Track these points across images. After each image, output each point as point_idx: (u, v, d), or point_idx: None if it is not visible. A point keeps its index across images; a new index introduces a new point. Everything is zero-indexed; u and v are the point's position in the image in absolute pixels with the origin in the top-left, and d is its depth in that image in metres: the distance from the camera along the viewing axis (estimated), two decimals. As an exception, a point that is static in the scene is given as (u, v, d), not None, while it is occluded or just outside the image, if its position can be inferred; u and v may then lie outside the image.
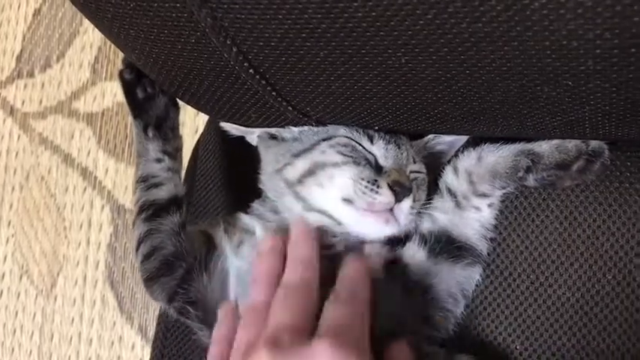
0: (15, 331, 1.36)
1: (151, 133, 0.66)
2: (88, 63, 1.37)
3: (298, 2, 0.40)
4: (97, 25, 0.55)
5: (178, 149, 0.69)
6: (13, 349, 1.36)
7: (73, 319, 1.32)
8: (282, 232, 0.62)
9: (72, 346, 1.31)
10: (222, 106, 0.60)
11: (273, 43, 0.45)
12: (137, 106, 0.67)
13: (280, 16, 0.42)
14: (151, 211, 0.63)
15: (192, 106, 0.65)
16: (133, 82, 0.66)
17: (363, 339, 0.52)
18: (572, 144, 0.57)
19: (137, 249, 0.62)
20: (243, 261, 0.62)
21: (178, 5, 0.44)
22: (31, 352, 1.34)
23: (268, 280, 0.57)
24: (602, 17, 0.35)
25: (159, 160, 0.66)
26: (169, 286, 0.61)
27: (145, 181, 0.65)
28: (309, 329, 0.51)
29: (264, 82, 0.52)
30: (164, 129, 0.67)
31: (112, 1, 0.47)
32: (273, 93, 0.53)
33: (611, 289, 0.59)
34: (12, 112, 1.42)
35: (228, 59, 0.49)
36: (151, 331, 1.24)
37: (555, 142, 0.57)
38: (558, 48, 0.38)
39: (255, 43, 0.46)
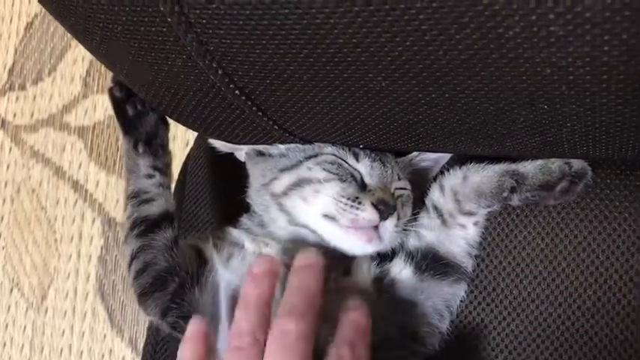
0: (5, 344, 1.36)
1: (141, 149, 0.66)
2: (80, 76, 1.37)
3: (281, 29, 0.41)
4: (86, 47, 0.56)
5: (168, 165, 0.69)
6: (3, 362, 1.36)
7: (63, 332, 1.32)
8: (269, 244, 0.63)
9: (62, 358, 1.31)
10: (209, 124, 0.61)
11: (257, 67, 0.46)
12: (127, 122, 0.67)
13: (264, 41, 0.43)
14: (143, 227, 0.63)
15: (180, 123, 0.66)
16: (122, 99, 0.67)
17: None
18: (555, 165, 0.58)
19: (130, 265, 0.63)
20: (233, 274, 0.62)
21: (165, 30, 0.45)
22: (21, 364, 1.35)
23: (258, 308, 0.54)
24: (573, 46, 0.36)
25: (150, 176, 0.66)
26: (162, 301, 0.61)
27: (137, 197, 0.65)
28: None
29: (249, 102, 0.53)
30: (154, 145, 0.67)
31: (99, 24, 0.48)
32: (259, 113, 0.54)
33: (592, 305, 0.60)
34: (3, 124, 1.43)
35: (214, 81, 0.50)
36: (141, 344, 1.24)
37: (539, 162, 0.58)
38: (533, 74, 0.39)
39: (240, 66, 0.47)
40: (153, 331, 0.79)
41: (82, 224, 1.33)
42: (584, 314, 0.60)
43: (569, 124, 0.46)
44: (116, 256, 1.30)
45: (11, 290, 1.37)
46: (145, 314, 0.64)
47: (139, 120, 0.67)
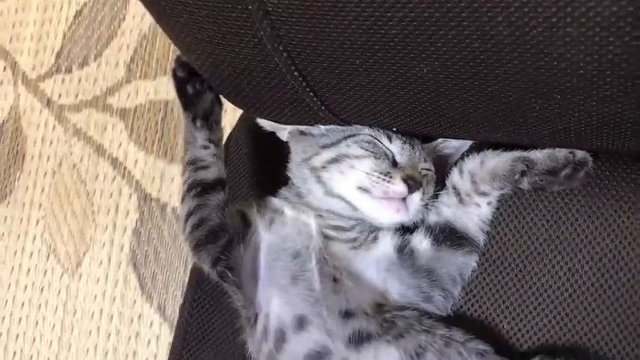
0: (40, 306, 1.45)
1: (198, 124, 0.75)
2: (124, 62, 1.47)
3: (345, 19, 0.50)
4: (166, 29, 0.65)
5: (221, 139, 0.78)
6: (37, 322, 1.45)
7: (95, 297, 1.41)
8: (305, 213, 0.72)
9: (93, 321, 1.40)
10: (263, 103, 0.70)
11: (318, 51, 0.55)
12: (187, 100, 0.76)
13: (328, 29, 0.52)
14: (200, 189, 0.72)
15: (235, 103, 0.75)
16: (184, 79, 0.75)
17: None
18: (561, 154, 0.67)
19: (186, 220, 0.71)
20: (274, 236, 0.71)
21: (244, 16, 0.54)
22: (54, 325, 1.43)
23: None
24: (585, 45, 0.45)
25: (205, 147, 0.75)
26: (214, 252, 0.70)
27: (194, 164, 0.74)
28: None
29: (304, 83, 0.61)
30: (210, 121, 0.76)
31: (186, 8, 0.57)
32: (311, 93, 0.63)
33: (587, 280, 0.69)
34: (49, 104, 1.52)
35: (278, 62, 0.59)
36: (169, 310, 1.34)
37: (547, 151, 0.67)
38: (550, 67, 0.48)
39: (304, 50, 0.56)
40: (191, 291, 0.87)
41: (118, 198, 1.42)
42: (580, 287, 0.69)
43: (576, 114, 0.54)
44: (150, 229, 1.39)
45: (48, 256, 1.46)
46: (198, 263, 0.73)
47: (197, 98, 0.76)
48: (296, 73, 0.60)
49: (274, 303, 0.69)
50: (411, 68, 0.54)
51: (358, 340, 0.65)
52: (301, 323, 0.66)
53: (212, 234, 0.70)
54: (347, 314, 0.67)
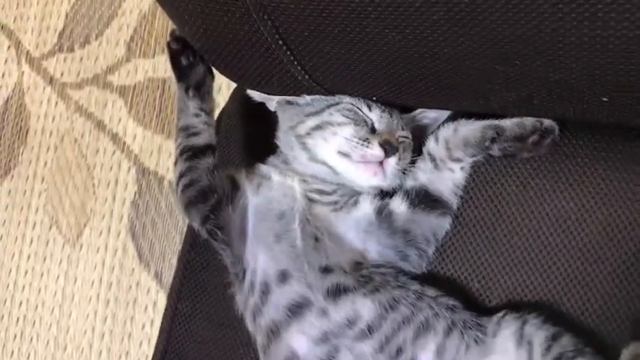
0: (42, 275, 1.51)
1: (191, 94, 0.80)
2: (124, 41, 1.52)
3: (322, -11, 0.55)
4: (162, 2, 0.70)
5: (212, 109, 0.82)
6: (39, 290, 1.51)
7: (95, 266, 1.46)
8: (291, 178, 0.77)
9: (93, 288, 1.46)
10: (251, 74, 0.75)
11: (299, 20, 0.60)
12: (181, 71, 0.81)
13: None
14: (191, 153, 0.77)
15: (226, 74, 0.80)
16: (178, 51, 0.80)
17: None
18: (529, 121, 0.72)
19: (178, 181, 0.76)
20: (261, 199, 0.76)
21: (231, -14, 0.59)
22: (55, 293, 1.49)
23: None
24: (535, 14, 0.49)
25: (197, 115, 0.80)
26: (203, 211, 0.75)
27: (186, 130, 0.79)
28: None
29: (288, 52, 0.66)
30: (202, 91, 0.81)
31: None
32: (295, 63, 0.68)
33: (552, 240, 0.73)
34: (51, 81, 1.57)
35: (263, 32, 0.64)
36: (165, 278, 1.40)
37: (516, 119, 0.72)
38: (508, 34, 0.53)
39: (287, 19, 0.60)
40: (185, 253, 0.93)
41: (118, 172, 1.48)
42: (546, 248, 0.74)
43: (536, 79, 0.59)
44: (147, 201, 1.44)
45: (50, 227, 1.51)
46: (189, 221, 0.78)
47: (190, 69, 0.81)
48: (280, 42, 0.65)
49: (260, 259, 0.74)
50: (385, 36, 0.58)
51: (336, 292, 0.70)
52: (284, 277, 0.71)
53: (202, 194, 0.75)
54: (326, 269, 0.72)
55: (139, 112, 1.47)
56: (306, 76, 0.71)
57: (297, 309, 0.70)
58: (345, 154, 0.74)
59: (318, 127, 0.76)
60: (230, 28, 0.66)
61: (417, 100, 0.73)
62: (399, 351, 0.69)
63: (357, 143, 0.73)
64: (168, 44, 0.81)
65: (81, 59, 1.55)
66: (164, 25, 1.48)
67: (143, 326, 1.42)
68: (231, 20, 0.64)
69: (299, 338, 0.69)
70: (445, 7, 0.52)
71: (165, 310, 0.92)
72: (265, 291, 0.72)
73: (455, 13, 0.52)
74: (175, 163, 0.78)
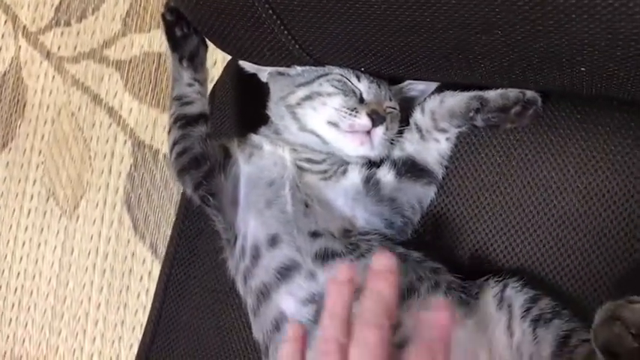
0: (40, 245, 1.53)
1: (185, 64, 0.82)
2: (120, 16, 1.53)
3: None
4: None
5: (205, 80, 0.84)
6: (37, 260, 1.54)
7: (92, 237, 1.49)
8: (282, 147, 0.79)
9: (89, 259, 1.49)
10: (242, 44, 0.77)
11: (289, -11, 0.62)
12: (175, 42, 0.82)
13: (296, -32, 0.58)
14: (184, 121, 0.79)
15: (218, 45, 0.82)
16: (172, 22, 0.82)
17: None
18: (512, 93, 0.74)
19: (172, 148, 0.79)
20: (252, 167, 0.78)
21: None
22: (52, 263, 1.52)
23: (344, 316, 0.54)
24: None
25: (190, 85, 0.82)
26: (196, 177, 0.77)
27: (180, 100, 0.81)
28: None
29: (279, 21, 0.68)
30: (195, 62, 0.83)
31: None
32: (285, 31, 0.70)
33: (534, 208, 0.76)
34: (48, 55, 1.59)
35: (254, 1, 0.65)
36: (160, 248, 1.43)
37: (500, 91, 0.74)
38: (490, 3, 0.55)
39: (276, -12, 0.62)
40: (179, 222, 0.95)
41: (114, 145, 1.50)
42: (527, 216, 0.76)
43: (516, 49, 0.61)
44: (143, 173, 1.47)
45: (47, 199, 1.54)
46: (182, 186, 0.80)
47: (184, 40, 0.83)
48: (270, 11, 0.67)
49: (251, 225, 0.76)
50: (370, 6, 0.60)
51: (324, 256, 0.72)
52: (274, 241, 0.74)
53: (194, 161, 0.77)
54: (315, 234, 0.74)
55: (135, 85, 1.49)
56: (297, 46, 0.73)
57: (286, 271, 0.72)
58: (333, 124, 0.77)
59: (308, 98, 0.79)
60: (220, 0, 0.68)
61: (403, 71, 0.75)
62: (384, 313, 0.71)
63: (346, 113, 0.75)
64: (163, 15, 0.83)
65: (77, 33, 1.56)
66: (159, 0, 1.50)
67: (138, 295, 1.46)
68: (222, -10, 0.66)
69: (287, 299, 0.72)
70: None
71: (160, 275, 0.94)
72: (256, 255, 0.75)
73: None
74: (169, 132, 0.80)
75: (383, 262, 0.54)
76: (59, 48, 1.57)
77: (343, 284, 0.56)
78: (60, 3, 1.58)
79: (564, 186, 0.75)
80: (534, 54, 0.61)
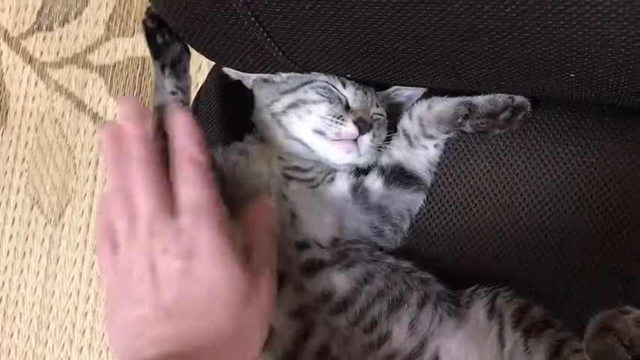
0: (25, 254, 1.51)
1: (167, 72, 0.79)
2: (103, 20, 1.51)
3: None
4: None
5: (188, 87, 0.82)
6: (22, 270, 1.51)
7: (77, 245, 1.47)
8: (266, 155, 0.78)
9: (75, 268, 1.47)
10: (226, 50, 0.75)
11: (271, -3, 0.60)
12: (156, 49, 0.80)
13: (277, -25, 0.57)
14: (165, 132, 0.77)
15: (201, 52, 0.80)
16: (154, 29, 0.80)
17: (217, 201, 0.59)
18: (501, 98, 0.73)
19: None
20: (238, 177, 0.77)
21: (202, -38, 0.59)
22: (38, 272, 1.50)
23: (119, 163, 0.61)
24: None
25: (173, 93, 0.80)
26: None
27: (162, 109, 0.79)
28: (171, 201, 0.58)
29: (261, 29, 0.66)
30: (178, 69, 0.80)
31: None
32: (268, 39, 0.68)
33: (525, 215, 0.75)
34: (31, 61, 1.56)
35: (236, 8, 0.64)
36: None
37: (488, 96, 0.73)
38: (476, 10, 0.53)
39: (258, -4, 0.61)
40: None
41: (98, 152, 1.48)
42: (517, 223, 0.75)
43: (504, 56, 0.60)
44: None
45: (32, 207, 1.52)
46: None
47: (166, 47, 0.80)
48: (252, 19, 0.65)
49: (237, 236, 0.74)
50: (354, 13, 0.59)
51: (312, 267, 0.71)
52: (260, 253, 0.72)
53: None
54: (303, 245, 0.73)
55: (119, 91, 1.48)
56: (280, 53, 0.72)
57: (273, 284, 0.71)
58: (320, 132, 0.75)
59: (293, 105, 0.77)
60: (203, 6, 0.66)
61: (390, 78, 0.74)
62: (374, 324, 0.70)
63: (332, 121, 0.74)
64: (144, 22, 0.81)
65: (60, 38, 1.54)
66: (143, 3, 1.48)
67: (126, 304, 1.43)
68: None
69: (276, 313, 0.71)
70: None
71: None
72: (242, 269, 0.73)
73: (422, -10, 0.53)
74: (151, 140, 0.78)
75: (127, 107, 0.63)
76: (42, 53, 1.55)
77: (109, 139, 0.61)
78: (42, 7, 1.55)
79: (555, 192, 0.74)
80: (522, 60, 0.60)
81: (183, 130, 0.61)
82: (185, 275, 0.56)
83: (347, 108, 0.76)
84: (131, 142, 0.60)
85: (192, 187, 0.59)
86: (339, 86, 0.77)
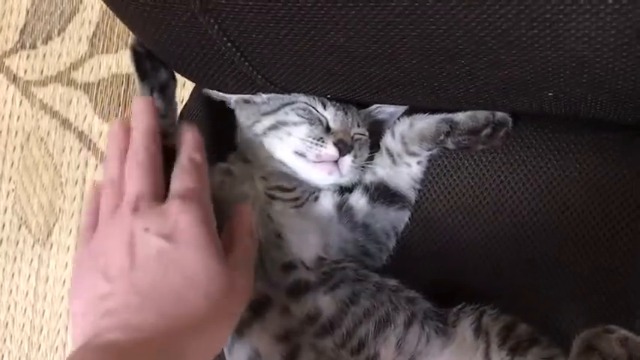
0: (13, 275, 1.50)
1: (155, 95, 0.79)
2: (87, 37, 1.50)
3: (264, -6, 0.55)
4: (117, 14, 0.69)
5: (175, 110, 0.82)
6: (11, 291, 1.50)
7: (66, 264, 1.47)
8: (249, 176, 0.77)
9: (65, 287, 1.46)
10: (205, 73, 0.75)
11: (245, 22, 0.60)
12: (144, 74, 0.80)
13: (251, 3, 0.56)
14: None
15: (182, 74, 0.79)
16: (142, 54, 0.80)
17: (207, 197, 0.62)
18: (482, 114, 0.72)
19: None
20: (222, 197, 0.76)
21: (175, -8, 0.58)
22: (27, 293, 1.49)
23: (119, 157, 0.63)
24: (475, 13, 0.50)
25: (162, 117, 0.79)
26: None
27: None
28: (161, 194, 0.60)
29: (239, 54, 0.66)
30: (166, 93, 0.80)
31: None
32: (246, 63, 0.68)
33: (509, 230, 0.75)
34: (15, 79, 1.55)
35: (211, 34, 0.63)
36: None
37: (470, 112, 0.73)
38: (450, 34, 0.53)
39: (232, 22, 0.60)
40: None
41: (85, 170, 1.47)
42: (502, 237, 0.75)
43: (482, 77, 0.60)
44: (115, 198, 1.44)
45: (19, 227, 1.51)
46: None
47: (153, 72, 0.80)
48: (229, 44, 0.65)
49: (221, 260, 0.74)
50: (329, 39, 0.58)
51: (297, 289, 0.70)
52: (246, 277, 0.72)
53: None
54: (288, 267, 0.72)
55: (104, 108, 1.47)
56: (259, 76, 0.71)
57: (258, 307, 0.71)
58: (300, 154, 0.75)
59: (274, 127, 0.77)
60: (179, 32, 0.66)
61: (370, 98, 0.74)
62: (361, 346, 0.70)
63: (312, 143, 0.74)
64: (133, 47, 0.80)
65: (44, 56, 1.53)
66: (126, 20, 1.47)
67: (116, 323, 1.42)
68: (178, 24, 0.64)
69: (261, 336, 0.70)
70: (385, 10, 0.52)
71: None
72: (227, 292, 0.73)
73: (395, 15, 0.52)
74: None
75: (139, 102, 0.67)
76: (25, 71, 1.54)
77: (116, 133, 0.65)
78: (25, 25, 1.54)
79: (539, 206, 0.74)
80: (500, 81, 0.60)
81: (188, 139, 0.65)
82: (164, 257, 0.55)
83: (327, 129, 0.76)
84: (136, 134, 0.63)
85: (186, 176, 0.61)
86: (320, 107, 0.77)
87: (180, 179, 0.61)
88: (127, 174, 0.61)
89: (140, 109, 0.66)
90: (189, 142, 0.65)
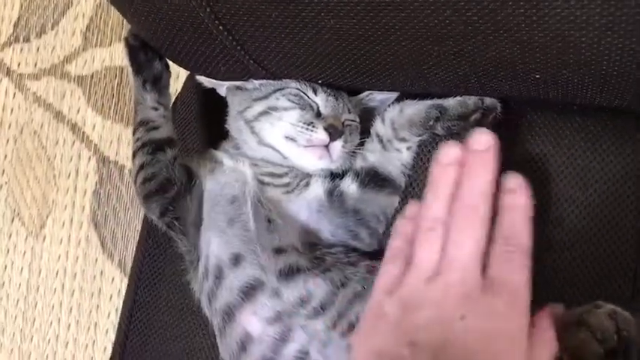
0: (6, 267, 1.50)
1: (148, 87, 0.80)
2: (80, 31, 1.51)
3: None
4: (112, 3, 0.70)
5: (169, 102, 0.84)
6: (3, 283, 1.50)
7: (59, 257, 1.47)
8: (242, 162, 0.78)
9: (58, 279, 1.46)
10: (197, 59, 0.75)
11: (237, 5, 0.61)
12: (138, 66, 0.81)
13: (242, -15, 0.57)
14: (154, 147, 0.78)
15: (175, 61, 0.80)
16: (136, 47, 0.81)
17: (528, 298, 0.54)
18: (471, 100, 0.73)
19: (137, 174, 0.78)
20: (214, 184, 0.77)
21: (167, -27, 0.59)
22: (20, 285, 1.49)
23: (448, 195, 0.58)
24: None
25: (155, 109, 0.80)
26: (162, 203, 0.76)
27: (145, 125, 0.79)
28: (481, 269, 0.54)
29: (230, 37, 0.67)
30: (159, 85, 0.81)
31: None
32: (238, 47, 0.69)
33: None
34: (8, 72, 1.56)
35: (203, 18, 0.64)
36: (129, 266, 1.40)
37: (459, 98, 0.73)
38: (438, 15, 0.54)
39: (224, 5, 0.61)
40: (142, 241, 0.93)
41: (78, 162, 1.47)
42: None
43: (470, 59, 0.60)
44: (109, 190, 1.45)
45: (12, 220, 1.51)
46: (147, 213, 0.79)
47: (148, 64, 0.81)
48: (221, 27, 0.65)
49: (213, 244, 0.75)
50: (320, 20, 0.59)
51: (288, 272, 0.71)
52: (237, 260, 0.72)
53: (162, 187, 0.76)
54: (279, 250, 0.73)
55: (98, 101, 1.47)
56: (251, 61, 0.72)
57: (250, 291, 0.71)
58: (291, 139, 0.76)
59: (265, 112, 0.77)
60: (171, 16, 0.67)
61: (360, 83, 0.74)
62: (352, 327, 0.70)
63: (302, 128, 0.74)
64: (127, 40, 0.82)
65: (37, 49, 1.54)
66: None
67: (109, 315, 1.44)
68: (170, 7, 0.65)
69: (252, 319, 0.71)
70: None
71: (125, 297, 0.92)
72: (219, 275, 0.73)
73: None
74: (134, 156, 0.79)
75: (482, 140, 0.58)
76: (19, 65, 1.55)
77: (447, 166, 0.59)
78: (18, 18, 1.55)
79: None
80: (488, 63, 0.61)
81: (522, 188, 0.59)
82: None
83: (318, 114, 0.77)
84: (481, 183, 0.57)
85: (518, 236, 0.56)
86: (310, 93, 0.77)
87: (504, 262, 0.54)
88: (458, 226, 0.56)
89: (487, 149, 0.58)
90: (521, 220, 0.57)
